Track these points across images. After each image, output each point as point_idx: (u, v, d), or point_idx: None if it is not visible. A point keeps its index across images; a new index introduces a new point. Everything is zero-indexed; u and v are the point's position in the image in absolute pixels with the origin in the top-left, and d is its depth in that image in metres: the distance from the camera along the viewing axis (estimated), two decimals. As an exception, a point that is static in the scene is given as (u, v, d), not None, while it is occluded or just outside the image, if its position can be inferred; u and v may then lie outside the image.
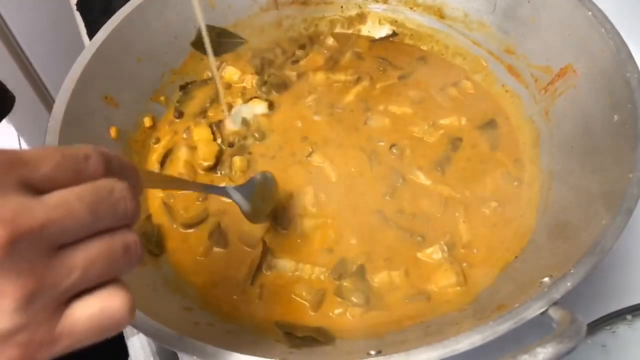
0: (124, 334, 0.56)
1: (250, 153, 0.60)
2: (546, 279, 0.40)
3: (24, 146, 1.86)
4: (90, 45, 0.59)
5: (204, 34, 0.58)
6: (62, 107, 0.54)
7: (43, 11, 1.14)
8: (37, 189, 0.25)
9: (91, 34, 0.84)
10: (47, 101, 1.34)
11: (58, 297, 0.25)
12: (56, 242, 0.25)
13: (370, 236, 0.53)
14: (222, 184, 0.58)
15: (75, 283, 0.25)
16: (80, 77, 0.56)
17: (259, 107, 0.63)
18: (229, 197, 0.51)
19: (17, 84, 1.24)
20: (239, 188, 0.51)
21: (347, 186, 0.57)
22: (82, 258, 0.26)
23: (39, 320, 0.25)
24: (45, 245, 0.24)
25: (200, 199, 0.57)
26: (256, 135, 0.61)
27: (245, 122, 0.62)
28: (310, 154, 0.59)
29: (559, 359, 0.33)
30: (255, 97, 0.65)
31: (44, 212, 0.24)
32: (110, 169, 0.28)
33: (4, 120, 0.91)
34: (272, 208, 0.54)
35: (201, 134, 0.61)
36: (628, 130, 0.45)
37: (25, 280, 0.24)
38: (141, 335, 0.55)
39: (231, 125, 0.61)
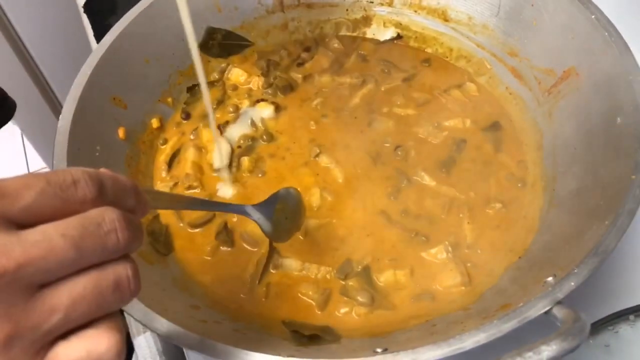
0: (130, 333, 0.57)
1: (258, 154, 0.61)
2: (550, 279, 0.40)
3: (28, 147, 1.87)
4: (99, 47, 0.60)
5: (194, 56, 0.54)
6: (72, 108, 0.54)
7: (49, 12, 1.15)
8: (17, 223, 0.23)
9: (98, 35, 0.85)
10: (53, 102, 1.35)
11: (39, 340, 0.24)
12: (36, 282, 0.23)
13: (376, 236, 0.53)
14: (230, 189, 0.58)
15: (57, 325, 0.24)
16: (89, 79, 0.57)
17: (266, 110, 0.64)
18: (249, 216, 0.49)
19: (22, 84, 1.25)
20: (259, 206, 0.50)
21: (353, 187, 0.57)
22: (65, 298, 0.24)
23: None
24: (23, 286, 0.23)
25: (207, 199, 0.58)
26: (264, 137, 0.61)
27: (253, 124, 0.63)
28: (318, 155, 0.59)
29: (563, 356, 0.33)
30: (262, 100, 0.65)
31: (21, 251, 0.22)
32: (104, 193, 0.26)
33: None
34: (298, 225, 0.53)
35: (210, 135, 0.61)
36: (630, 132, 0.46)
37: (2, 324, 0.22)
38: (147, 334, 0.55)
39: (217, 163, 0.60)
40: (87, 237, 0.24)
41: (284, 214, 0.51)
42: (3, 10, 1.12)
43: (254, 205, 0.50)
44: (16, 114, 1.25)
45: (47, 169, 1.79)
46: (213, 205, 0.54)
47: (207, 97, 0.55)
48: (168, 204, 0.44)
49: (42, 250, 0.23)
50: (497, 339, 0.37)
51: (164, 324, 0.40)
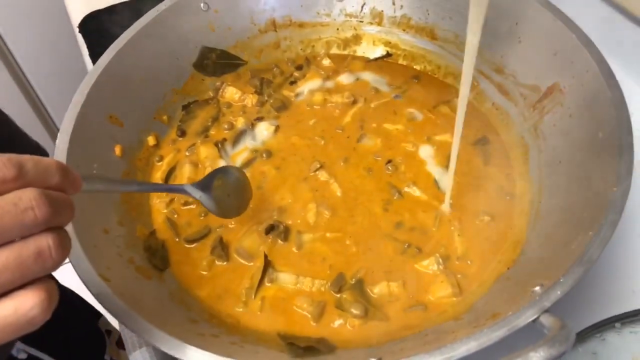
0: (126, 348, 0.57)
1: (257, 170, 0.62)
2: (537, 288, 0.42)
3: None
4: (96, 66, 0.61)
5: None
6: (70, 126, 0.55)
7: (44, 32, 1.16)
8: None
9: (93, 55, 0.86)
10: (46, 120, 1.35)
11: None
12: None
13: (370, 249, 0.55)
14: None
15: None
16: (86, 97, 0.58)
17: (267, 129, 0.65)
18: (189, 195, 0.51)
19: (16, 103, 1.26)
20: (197, 184, 0.51)
21: (346, 201, 0.59)
22: None
23: None
24: None
25: (203, 214, 0.59)
26: (264, 155, 0.63)
27: (253, 141, 0.65)
28: (318, 169, 0.61)
29: (550, 361, 0.35)
30: (260, 118, 0.67)
31: None
32: (23, 174, 0.28)
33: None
34: (245, 201, 0.54)
35: (208, 152, 0.63)
36: (612, 146, 0.48)
37: None
38: (143, 349, 0.56)
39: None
40: (4, 215, 0.27)
41: (225, 190, 0.52)
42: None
43: (192, 184, 0.51)
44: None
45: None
46: (151, 187, 0.55)
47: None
48: (107, 187, 0.45)
49: None
50: (487, 347, 0.38)
51: (163, 337, 0.41)
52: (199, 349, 0.40)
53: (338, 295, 0.52)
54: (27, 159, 0.29)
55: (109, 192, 0.55)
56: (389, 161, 0.61)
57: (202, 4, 0.68)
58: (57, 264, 0.30)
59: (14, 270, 0.28)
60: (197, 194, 0.50)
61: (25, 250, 0.28)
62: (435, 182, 0.60)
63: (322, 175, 0.61)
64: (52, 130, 1.40)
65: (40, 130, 1.36)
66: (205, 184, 0.51)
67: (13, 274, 0.28)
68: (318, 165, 0.61)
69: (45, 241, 0.29)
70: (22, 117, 1.28)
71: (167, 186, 0.55)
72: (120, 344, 0.83)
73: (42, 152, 0.86)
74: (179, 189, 0.51)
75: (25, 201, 0.28)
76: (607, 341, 0.51)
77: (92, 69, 0.61)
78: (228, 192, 0.53)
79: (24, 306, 0.28)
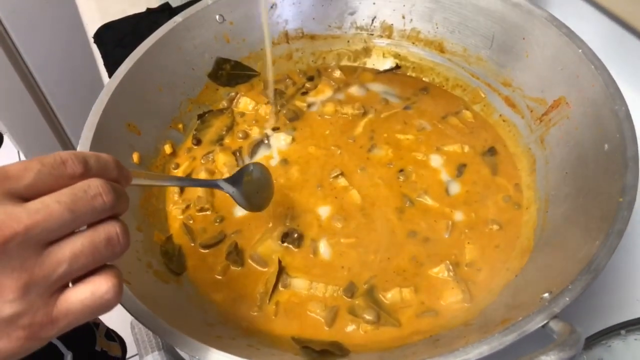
0: (139, 352, 0.59)
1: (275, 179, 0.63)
2: (546, 295, 0.43)
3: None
4: (115, 76, 0.63)
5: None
6: (90, 134, 0.57)
7: (59, 43, 1.18)
8: (22, 197, 0.29)
9: (108, 65, 0.88)
10: (57, 129, 1.37)
11: (51, 286, 0.30)
12: (42, 241, 0.29)
13: (383, 255, 0.56)
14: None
15: (64, 274, 0.30)
16: (105, 106, 0.59)
17: (285, 139, 0.67)
18: (222, 189, 0.53)
19: (29, 113, 1.28)
20: (230, 180, 0.54)
21: (363, 208, 0.60)
22: (68, 252, 0.30)
23: (37, 306, 0.29)
24: (32, 244, 0.29)
25: (218, 220, 0.61)
26: (282, 163, 0.65)
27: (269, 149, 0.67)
28: (337, 176, 0.63)
29: (560, 365, 0.36)
30: (275, 128, 0.69)
31: (26, 217, 0.28)
32: (89, 168, 0.32)
33: (6, 140, 0.94)
34: (268, 198, 0.57)
35: (225, 159, 0.65)
36: (617, 158, 0.49)
37: (19, 274, 0.28)
38: (155, 353, 0.57)
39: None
40: (77, 202, 0.30)
41: (253, 186, 0.55)
42: (12, 39, 1.16)
43: (225, 179, 0.54)
44: (20, 139, 1.28)
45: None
46: (189, 182, 0.58)
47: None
48: (150, 181, 0.49)
49: (43, 215, 0.29)
50: (498, 351, 0.40)
51: (186, 340, 0.42)
52: (220, 350, 0.41)
53: (350, 301, 0.54)
54: (90, 155, 0.32)
55: (151, 186, 0.60)
56: (401, 170, 0.63)
57: (217, 16, 0.70)
58: (124, 250, 0.33)
59: (88, 255, 0.30)
60: (230, 189, 0.53)
61: (97, 237, 0.31)
62: (446, 191, 0.61)
63: (342, 182, 0.62)
64: (62, 137, 1.41)
65: (50, 137, 1.38)
66: (236, 180, 0.54)
67: (87, 259, 0.30)
68: (338, 172, 0.63)
69: (113, 228, 0.32)
70: (35, 125, 1.30)
71: (203, 181, 0.59)
72: (109, 336, 0.85)
73: None
74: (214, 184, 0.54)
75: (94, 189, 0.31)
76: (612, 348, 0.53)
77: (111, 79, 0.62)
78: (256, 188, 0.55)
79: (100, 290, 0.31)
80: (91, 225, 0.31)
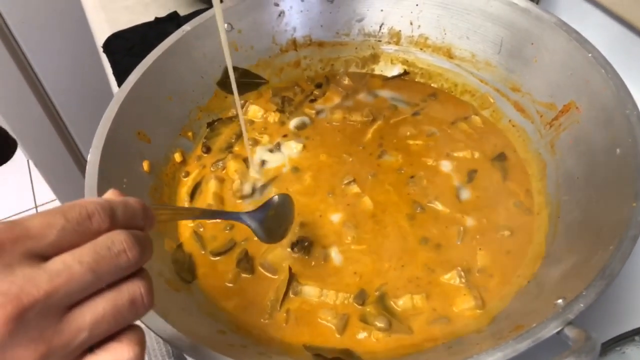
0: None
1: (284, 186, 0.64)
2: (560, 301, 0.43)
3: (35, 180, 1.90)
4: (125, 85, 0.63)
5: (230, 73, 0.62)
6: (101, 142, 0.57)
7: (68, 52, 1.19)
8: (42, 256, 0.27)
9: (116, 73, 0.89)
10: (66, 137, 1.38)
11: (68, 356, 0.28)
12: (63, 305, 0.27)
13: (394, 262, 0.56)
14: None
15: (84, 342, 0.28)
16: (116, 115, 0.60)
17: (295, 147, 0.68)
18: (244, 223, 0.53)
19: (37, 120, 1.29)
20: (252, 213, 0.53)
21: (374, 215, 0.60)
22: (89, 318, 0.28)
23: None
24: (52, 311, 0.27)
25: (228, 228, 0.61)
26: (293, 170, 0.65)
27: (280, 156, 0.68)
28: (350, 183, 0.62)
29: (576, 372, 0.36)
30: (285, 135, 0.69)
31: (47, 281, 0.26)
32: (115, 221, 0.30)
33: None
34: (287, 228, 0.56)
35: (237, 166, 0.65)
36: (630, 162, 0.49)
37: (37, 346, 0.26)
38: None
39: (254, 174, 0.65)
40: (100, 261, 0.28)
41: (276, 220, 0.54)
42: (22, 49, 1.17)
43: (248, 213, 0.53)
44: (30, 148, 1.29)
45: (56, 202, 1.80)
46: (211, 214, 0.57)
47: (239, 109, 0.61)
48: (173, 217, 0.48)
49: (64, 278, 0.27)
50: (512, 359, 0.39)
51: (195, 347, 0.42)
52: (232, 359, 0.41)
53: (362, 308, 0.53)
54: (118, 205, 0.30)
55: (172, 221, 0.59)
56: (411, 176, 0.63)
57: (226, 25, 0.70)
58: (147, 311, 0.31)
59: (110, 320, 0.29)
60: (253, 224, 0.52)
61: (120, 299, 0.29)
62: (457, 196, 0.61)
63: (354, 189, 0.62)
64: (70, 145, 1.42)
65: (59, 145, 1.39)
66: (259, 215, 0.53)
67: (109, 324, 0.29)
68: (351, 179, 0.63)
69: (138, 289, 0.30)
70: (43, 132, 1.31)
71: (226, 213, 0.58)
72: None
73: (12, 141, 0.87)
74: (237, 217, 0.53)
75: (118, 245, 0.29)
76: (627, 354, 0.52)
77: (121, 87, 0.63)
78: (279, 222, 0.54)
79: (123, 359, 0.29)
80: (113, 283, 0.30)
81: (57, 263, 0.27)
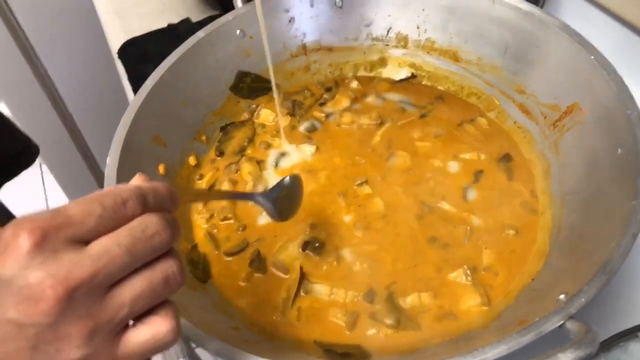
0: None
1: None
2: (562, 296, 0.44)
3: (48, 184, 1.94)
4: (142, 90, 0.65)
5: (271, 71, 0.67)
6: (119, 146, 0.59)
7: (83, 58, 1.22)
8: (83, 241, 0.30)
9: (131, 79, 0.92)
10: (79, 142, 1.41)
11: (113, 329, 0.31)
12: (105, 285, 0.30)
13: (402, 261, 0.58)
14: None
15: (125, 317, 0.31)
16: (133, 120, 0.61)
17: (308, 150, 0.70)
18: (257, 203, 0.54)
19: (52, 126, 1.32)
20: (266, 194, 0.55)
21: (385, 216, 0.62)
22: (129, 295, 0.31)
23: (101, 349, 0.30)
24: (96, 290, 0.29)
25: (241, 229, 0.63)
26: (306, 172, 0.67)
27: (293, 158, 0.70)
28: (362, 183, 0.64)
29: (577, 363, 0.37)
30: (296, 138, 0.72)
31: (90, 264, 0.29)
32: (147, 206, 0.32)
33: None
34: (297, 207, 0.58)
35: (250, 168, 0.67)
36: (631, 162, 0.50)
37: (85, 321, 0.29)
38: None
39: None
40: (137, 243, 0.31)
41: (287, 200, 0.56)
42: (37, 54, 1.20)
43: (262, 194, 0.55)
44: (44, 153, 1.31)
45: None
46: (226, 195, 0.61)
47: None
48: (192, 198, 0.51)
49: (105, 260, 0.30)
50: (516, 351, 0.41)
51: (212, 342, 0.44)
52: (249, 353, 0.43)
53: (370, 306, 0.55)
54: (149, 192, 0.33)
55: (195, 202, 0.64)
56: (420, 177, 0.65)
57: (238, 31, 0.73)
58: (180, 287, 0.33)
59: (147, 297, 0.31)
60: (267, 204, 0.54)
61: (155, 277, 0.32)
62: (464, 197, 0.63)
63: (366, 190, 0.64)
64: (84, 151, 1.45)
65: (73, 150, 1.42)
66: (272, 196, 0.55)
67: (146, 300, 0.31)
68: (363, 179, 0.65)
69: (170, 266, 0.33)
70: (56, 137, 1.34)
71: (242, 194, 0.60)
72: None
73: (34, 147, 0.90)
74: (252, 197, 0.55)
75: (151, 227, 0.31)
76: (629, 350, 0.53)
77: (138, 93, 0.65)
78: (289, 201, 0.57)
79: (160, 332, 0.32)
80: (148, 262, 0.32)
81: (98, 247, 0.30)
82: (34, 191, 2.02)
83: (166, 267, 0.32)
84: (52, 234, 0.29)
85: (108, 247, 0.30)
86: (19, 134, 0.89)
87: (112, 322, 0.30)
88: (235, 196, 0.60)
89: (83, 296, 0.29)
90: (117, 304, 0.30)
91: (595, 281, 0.43)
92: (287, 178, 0.57)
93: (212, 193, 0.62)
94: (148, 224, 0.32)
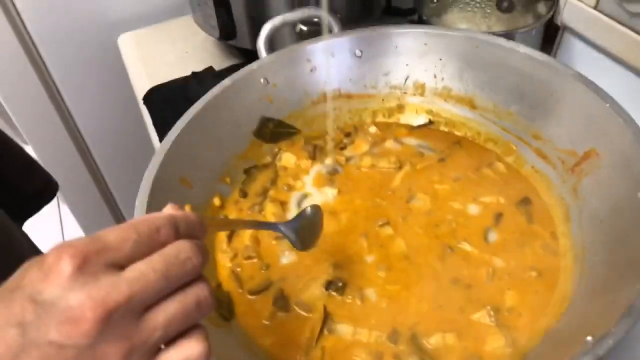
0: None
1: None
2: (589, 338, 0.45)
3: (64, 218, 1.96)
4: (170, 134, 0.67)
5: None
6: (148, 188, 0.61)
7: (109, 105, 1.27)
8: (119, 266, 0.31)
9: (156, 124, 0.95)
10: (99, 181, 1.44)
11: (148, 351, 0.32)
12: (140, 308, 0.31)
13: (426, 302, 0.58)
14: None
15: (159, 339, 0.32)
16: (162, 161, 0.64)
17: (330, 193, 0.72)
18: (280, 232, 0.56)
19: (73, 166, 1.36)
20: (288, 224, 0.56)
21: (407, 256, 0.63)
22: (162, 319, 0.32)
23: None
24: (132, 313, 0.31)
25: (264, 268, 0.64)
26: (328, 213, 0.68)
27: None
28: (384, 224, 0.66)
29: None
30: (318, 181, 0.73)
31: (127, 288, 0.30)
32: (179, 232, 0.34)
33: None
34: (317, 237, 0.59)
35: (274, 209, 0.69)
36: (651, 205, 0.51)
37: (122, 343, 0.30)
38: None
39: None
40: (170, 268, 0.32)
41: (308, 229, 0.57)
42: (62, 97, 1.25)
43: (284, 223, 0.56)
44: (65, 192, 1.34)
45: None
46: (253, 224, 0.62)
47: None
48: (218, 227, 0.54)
49: (141, 284, 0.31)
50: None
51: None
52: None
53: (394, 347, 0.55)
54: (181, 220, 0.35)
55: (222, 230, 0.66)
56: (440, 219, 0.66)
57: (262, 79, 0.76)
58: (211, 311, 0.35)
59: (180, 320, 0.33)
60: (291, 234, 0.55)
61: (188, 301, 0.33)
62: (485, 238, 0.64)
63: (388, 231, 0.65)
64: (103, 189, 1.48)
65: (92, 188, 1.44)
66: (294, 225, 0.56)
67: (179, 324, 0.33)
68: (385, 221, 0.66)
69: (201, 291, 0.34)
70: (76, 176, 1.37)
71: (266, 224, 0.61)
72: None
73: (53, 185, 0.93)
74: (275, 227, 0.56)
75: (184, 253, 0.33)
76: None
77: (167, 136, 0.67)
78: (311, 232, 0.58)
79: (192, 355, 0.33)
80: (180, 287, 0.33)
81: (134, 271, 0.31)
82: (51, 229, 2.05)
83: (198, 292, 0.34)
84: (92, 259, 0.30)
85: (143, 271, 0.31)
86: (40, 171, 0.92)
87: (147, 344, 0.31)
88: (260, 225, 0.62)
89: (120, 318, 0.30)
90: (152, 327, 0.31)
91: (622, 323, 0.44)
92: (308, 208, 0.58)
93: (237, 221, 0.65)
94: (181, 249, 0.33)
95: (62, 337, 0.29)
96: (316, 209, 0.59)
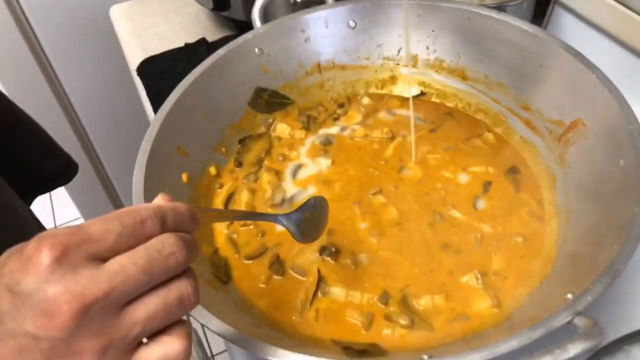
0: None
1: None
2: (569, 296, 0.47)
3: (55, 202, 1.96)
4: (165, 104, 0.68)
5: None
6: (145, 156, 0.62)
7: (102, 76, 1.27)
8: (101, 258, 0.30)
9: (150, 95, 0.95)
10: (93, 158, 1.44)
11: (125, 347, 0.31)
12: (120, 302, 0.30)
13: (416, 266, 0.61)
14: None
15: (138, 335, 0.31)
16: (158, 131, 0.65)
17: (324, 163, 0.73)
18: (281, 224, 0.54)
19: (68, 140, 1.36)
20: (289, 215, 0.55)
21: (397, 223, 0.65)
22: (143, 314, 0.31)
23: None
24: (111, 308, 0.30)
25: (260, 234, 0.66)
26: (322, 183, 0.70)
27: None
28: (376, 193, 0.68)
29: (584, 355, 0.40)
30: (312, 151, 0.75)
31: (107, 281, 0.29)
32: (166, 225, 0.33)
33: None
34: (321, 229, 0.58)
35: (269, 178, 0.71)
36: (632, 172, 0.54)
37: (98, 338, 0.30)
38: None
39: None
40: (152, 262, 0.31)
41: (311, 222, 0.56)
42: (55, 72, 1.25)
43: (285, 215, 0.54)
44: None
45: (80, 220, 1.87)
46: (251, 216, 0.62)
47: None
48: (215, 219, 0.52)
49: (121, 278, 0.30)
50: (526, 345, 0.43)
51: (238, 335, 0.47)
52: (273, 346, 0.46)
53: (385, 308, 0.58)
54: (168, 212, 0.33)
55: (216, 222, 0.64)
56: (431, 188, 0.68)
57: (256, 49, 0.77)
58: (194, 307, 0.34)
59: (161, 316, 0.32)
60: (291, 226, 0.54)
61: (169, 297, 0.32)
62: (474, 206, 0.66)
63: (380, 199, 0.67)
64: (97, 166, 1.48)
65: (87, 166, 1.45)
66: (296, 217, 0.55)
67: (160, 320, 0.32)
68: (378, 189, 0.68)
69: (185, 287, 0.33)
70: (70, 151, 1.37)
71: (264, 215, 0.60)
72: None
73: (74, 167, 0.93)
74: (274, 219, 0.55)
75: (167, 247, 0.32)
76: (633, 354, 0.56)
77: (163, 106, 0.68)
78: (314, 224, 0.57)
79: (172, 352, 0.32)
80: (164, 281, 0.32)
81: (115, 265, 0.30)
82: (42, 205, 2.05)
83: (181, 288, 0.33)
84: (72, 250, 0.29)
85: (124, 265, 0.30)
86: (62, 153, 0.92)
87: (125, 340, 0.31)
88: (258, 217, 0.62)
89: (98, 313, 0.29)
90: (131, 322, 0.31)
91: (600, 281, 0.46)
92: (312, 200, 0.57)
93: (235, 213, 0.62)
94: (165, 244, 0.32)
95: (38, 329, 0.28)
96: (321, 201, 0.58)
